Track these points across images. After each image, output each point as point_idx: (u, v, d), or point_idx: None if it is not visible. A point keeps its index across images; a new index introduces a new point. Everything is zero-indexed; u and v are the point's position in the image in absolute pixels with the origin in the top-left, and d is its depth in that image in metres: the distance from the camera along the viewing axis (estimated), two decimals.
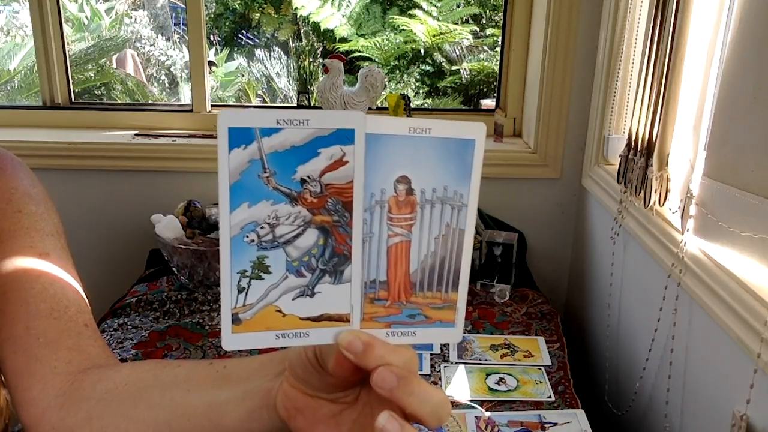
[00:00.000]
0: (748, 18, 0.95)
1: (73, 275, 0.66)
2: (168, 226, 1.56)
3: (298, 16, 5.47)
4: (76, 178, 1.86)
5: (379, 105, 1.90)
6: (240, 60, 5.59)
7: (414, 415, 0.39)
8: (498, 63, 2.01)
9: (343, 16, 5.34)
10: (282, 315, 0.40)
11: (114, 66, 5.11)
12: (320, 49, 5.52)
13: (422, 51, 5.24)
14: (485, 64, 5.05)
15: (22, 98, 4.58)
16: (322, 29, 5.34)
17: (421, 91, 5.20)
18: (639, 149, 1.28)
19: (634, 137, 1.30)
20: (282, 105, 4.78)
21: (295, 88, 5.35)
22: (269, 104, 5.16)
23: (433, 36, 5.12)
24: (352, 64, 4.81)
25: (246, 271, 0.38)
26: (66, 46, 2.01)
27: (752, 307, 0.90)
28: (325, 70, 1.76)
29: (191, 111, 2.00)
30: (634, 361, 1.37)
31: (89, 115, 2.01)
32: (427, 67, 5.24)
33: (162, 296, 1.56)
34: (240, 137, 0.36)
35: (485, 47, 5.22)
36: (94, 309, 0.67)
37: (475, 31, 5.27)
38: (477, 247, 1.71)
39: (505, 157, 1.82)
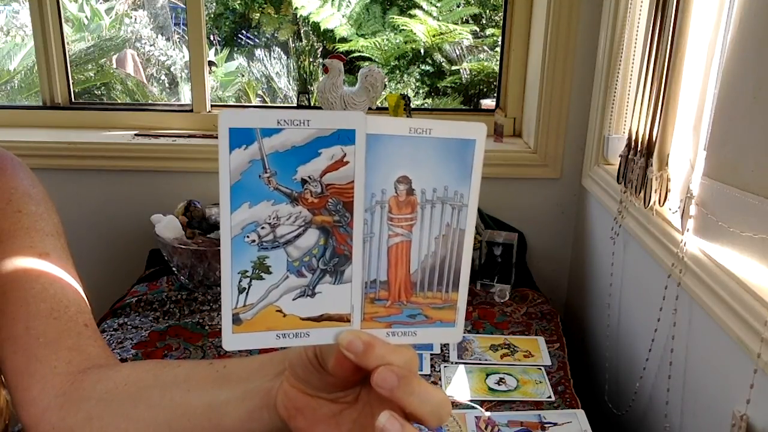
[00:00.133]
0: (748, 18, 0.95)
1: (73, 275, 0.66)
2: (168, 226, 1.56)
3: (298, 16, 5.47)
4: (76, 178, 1.86)
5: (379, 105, 1.90)
6: (240, 60, 5.59)
7: (414, 414, 0.39)
8: (498, 63, 2.01)
9: (343, 16, 5.34)
10: (282, 315, 0.40)
11: (114, 66, 5.11)
12: (320, 49, 5.52)
13: (422, 51, 5.24)
14: (485, 64, 5.05)
15: (22, 98, 4.58)
16: (322, 29, 5.34)
17: (421, 91, 5.20)
18: (639, 149, 1.28)
19: (634, 137, 1.30)
20: (282, 105, 4.78)
21: (295, 88, 5.35)
22: (269, 104, 5.16)
23: (433, 36, 5.12)
24: (352, 64, 4.81)
25: (247, 271, 0.39)
26: (66, 46, 2.01)
27: (752, 307, 0.90)
28: (325, 70, 1.76)
29: (191, 111, 2.00)
30: (634, 361, 1.37)
31: (89, 115, 2.01)
32: (427, 67, 5.24)
33: (162, 296, 1.56)
34: (241, 137, 0.36)
35: (485, 47, 5.22)
36: (94, 309, 0.67)
37: (475, 31, 5.27)
38: (477, 247, 1.71)
39: (505, 157, 1.82)
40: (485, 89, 5.05)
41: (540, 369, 1.31)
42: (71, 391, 0.58)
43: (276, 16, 5.73)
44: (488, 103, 4.37)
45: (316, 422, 0.44)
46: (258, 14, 5.75)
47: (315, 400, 0.44)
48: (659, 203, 1.23)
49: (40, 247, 0.64)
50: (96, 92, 4.93)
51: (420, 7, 5.15)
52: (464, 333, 1.46)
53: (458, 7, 5.23)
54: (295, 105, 2.15)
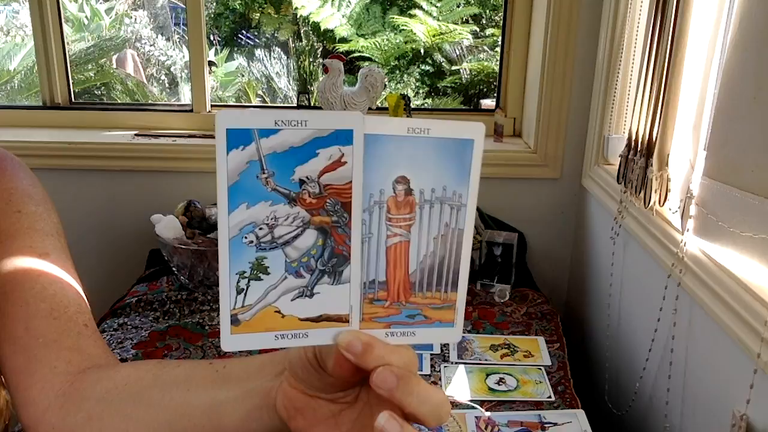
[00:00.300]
0: (748, 18, 0.95)
1: (72, 275, 0.66)
2: (168, 226, 1.56)
3: (298, 16, 5.47)
4: (76, 178, 1.86)
5: (379, 105, 1.90)
6: (240, 60, 5.58)
7: (414, 415, 0.39)
8: (498, 63, 2.01)
9: (343, 16, 5.34)
10: (281, 316, 0.40)
11: (114, 66, 5.11)
12: (320, 49, 5.52)
13: (422, 51, 5.24)
14: (485, 64, 5.05)
15: (22, 98, 4.58)
16: (322, 29, 5.34)
17: (421, 91, 5.20)
18: (639, 149, 1.28)
19: (634, 137, 1.30)
20: (282, 105, 4.78)
21: (295, 88, 5.35)
22: (269, 104, 5.16)
23: (433, 36, 5.11)
24: (352, 64, 4.81)
25: (245, 272, 0.38)
26: (66, 46, 2.01)
27: (752, 307, 0.90)
28: (325, 70, 1.76)
29: (191, 111, 2.00)
30: (634, 361, 1.37)
31: (89, 115, 2.01)
32: (427, 67, 5.24)
33: (162, 296, 1.56)
34: (238, 138, 0.36)
35: (485, 47, 5.22)
36: (94, 309, 0.67)
37: (475, 31, 5.27)
38: (477, 247, 1.71)
39: (505, 157, 1.82)
40: (485, 89, 5.05)
41: (540, 369, 1.31)
42: (71, 391, 0.58)
43: (276, 16, 5.73)
44: (488, 103, 4.37)
45: (315, 422, 0.44)
46: (258, 14, 5.75)
47: (314, 400, 0.44)
48: (659, 203, 1.23)
49: (39, 247, 0.64)
50: (96, 92, 4.93)
51: (420, 7, 5.15)
52: (464, 333, 1.46)
53: (458, 7, 5.22)
54: (295, 105, 2.15)
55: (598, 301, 1.67)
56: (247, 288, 0.39)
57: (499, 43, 2.05)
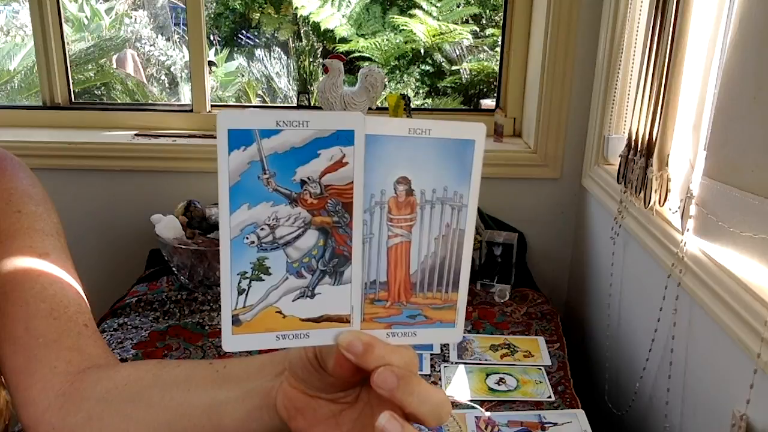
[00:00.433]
0: (748, 18, 0.95)
1: (72, 275, 0.66)
2: (168, 226, 1.56)
3: (298, 16, 5.47)
4: (76, 178, 1.86)
5: (379, 105, 1.90)
6: (240, 60, 5.58)
7: (414, 414, 0.39)
8: (498, 63, 2.01)
9: (343, 16, 5.34)
10: (282, 316, 0.40)
11: (114, 66, 5.11)
12: (320, 49, 5.52)
13: (422, 51, 5.24)
14: (485, 64, 5.05)
15: (22, 98, 4.58)
16: (322, 29, 5.34)
17: (421, 91, 5.20)
18: (639, 149, 1.28)
19: (634, 137, 1.30)
20: (282, 105, 4.78)
21: (295, 88, 5.35)
22: (269, 104, 5.16)
23: (433, 36, 5.12)
24: (352, 64, 4.81)
25: (246, 272, 0.38)
26: (66, 46, 2.01)
27: (752, 307, 0.90)
28: (325, 70, 1.76)
29: (191, 111, 2.00)
30: (634, 361, 1.37)
31: (89, 115, 2.01)
32: (427, 67, 5.24)
33: (162, 296, 1.56)
34: (240, 139, 0.36)
35: (485, 47, 5.22)
36: (94, 309, 0.67)
37: (475, 31, 5.27)
38: (477, 247, 1.71)
39: (505, 157, 1.82)
40: (485, 89, 5.05)
41: (540, 369, 1.31)
42: (71, 391, 0.58)
43: (276, 16, 5.73)
44: (488, 103, 4.37)
45: (316, 422, 0.44)
46: (258, 14, 5.75)
47: (315, 400, 0.44)
48: (659, 203, 1.23)
49: (39, 248, 0.64)
50: (96, 92, 4.93)
51: (420, 7, 5.15)
52: (464, 333, 1.46)
53: (458, 7, 5.22)
54: (295, 105, 2.15)
55: (598, 301, 1.67)
56: (249, 288, 0.39)
57: (499, 43, 2.05)
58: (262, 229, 0.38)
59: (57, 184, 1.81)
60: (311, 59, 5.47)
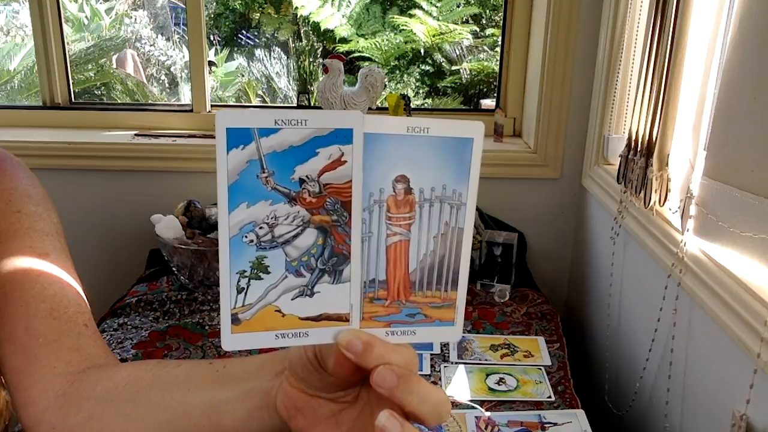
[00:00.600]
0: (748, 18, 0.95)
1: (72, 275, 0.66)
2: (168, 226, 1.56)
3: (298, 16, 5.47)
4: (76, 178, 1.86)
5: (379, 105, 1.90)
6: (240, 60, 5.58)
7: (414, 414, 0.39)
8: (498, 63, 2.01)
9: (343, 16, 5.34)
10: (281, 315, 0.40)
11: (114, 66, 5.11)
12: (320, 49, 5.52)
13: (422, 51, 5.24)
14: (485, 64, 5.05)
15: (22, 98, 4.58)
16: (322, 29, 5.34)
17: (421, 91, 5.20)
18: (639, 149, 1.28)
19: (634, 137, 1.30)
20: (282, 105, 4.78)
21: (295, 88, 5.35)
22: (269, 104, 5.16)
23: (433, 36, 5.12)
24: (352, 64, 4.81)
25: (245, 271, 0.38)
26: (66, 46, 2.01)
27: (752, 307, 0.90)
28: (325, 70, 1.76)
29: (191, 111, 2.00)
30: (634, 361, 1.37)
31: (89, 115, 2.01)
32: (427, 67, 5.24)
33: (162, 296, 1.56)
34: (238, 138, 0.36)
35: (485, 47, 5.22)
36: (94, 309, 0.67)
37: (475, 31, 5.27)
38: (477, 247, 1.71)
39: (505, 157, 1.82)
40: (485, 89, 5.05)
41: (540, 369, 1.31)
42: (71, 391, 0.58)
43: (276, 16, 5.73)
44: (488, 103, 4.37)
45: (316, 422, 0.44)
46: (258, 14, 5.75)
47: (315, 399, 0.44)
48: (659, 203, 1.23)
49: (39, 248, 0.64)
50: (96, 92, 4.93)
51: (420, 7, 5.15)
52: (464, 333, 1.46)
53: (458, 7, 5.23)
54: (295, 105, 2.15)
55: (598, 301, 1.67)
56: (248, 287, 0.39)
57: (499, 43, 2.05)
58: (261, 227, 0.38)
59: (57, 184, 1.81)
60: (311, 59, 5.47)
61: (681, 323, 1.14)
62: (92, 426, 0.55)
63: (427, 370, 1.29)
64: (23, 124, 2.00)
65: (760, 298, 0.90)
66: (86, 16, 5.47)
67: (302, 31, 5.57)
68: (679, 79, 1.16)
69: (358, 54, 5.14)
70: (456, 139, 0.39)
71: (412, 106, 1.86)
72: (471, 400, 1.19)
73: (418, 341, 0.42)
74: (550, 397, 1.21)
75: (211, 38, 5.68)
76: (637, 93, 1.30)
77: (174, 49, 5.48)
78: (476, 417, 1.14)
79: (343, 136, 0.38)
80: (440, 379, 1.27)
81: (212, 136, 1.93)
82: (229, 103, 4.26)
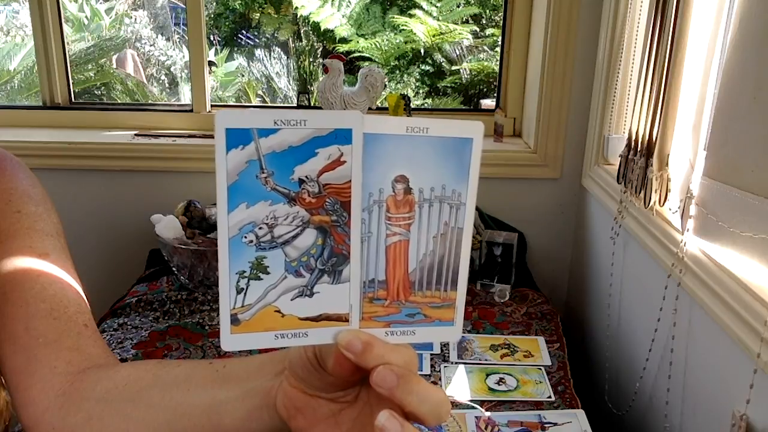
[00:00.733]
0: (748, 18, 0.95)
1: (72, 275, 0.66)
2: (168, 226, 1.56)
3: (298, 16, 5.47)
4: (76, 178, 1.86)
5: (379, 105, 1.90)
6: (240, 60, 5.58)
7: (414, 413, 0.39)
8: (498, 63, 2.01)
9: (343, 16, 5.34)
10: (281, 315, 0.40)
11: (114, 66, 5.11)
12: (320, 49, 5.52)
13: (422, 51, 5.24)
14: (485, 64, 5.05)
15: (22, 98, 4.58)
16: (322, 29, 5.34)
17: (421, 91, 5.20)
18: (639, 149, 1.28)
19: (634, 137, 1.30)
20: (281, 105, 4.78)
21: (295, 88, 5.35)
22: (269, 104, 5.16)
23: (433, 36, 5.12)
24: (352, 64, 4.81)
25: (245, 271, 0.38)
26: (66, 46, 2.01)
27: (752, 307, 0.90)
28: (325, 70, 1.76)
29: (191, 111, 2.00)
30: (634, 361, 1.37)
31: (89, 115, 2.01)
32: (427, 67, 5.24)
33: (162, 296, 1.56)
34: (237, 138, 0.36)
35: (485, 47, 5.22)
36: (94, 309, 0.67)
37: (475, 31, 5.27)
38: (477, 247, 1.71)
39: (505, 157, 1.82)
40: (485, 89, 5.05)
41: (540, 369, 1.31)
42: (71, 391, 0.58)
43: (276, 16, 5.73)
44: (488, 103, 4.37)
45: (315, 422, 0.44)
46: (258, 14, 5.75)
47: (314, 399, 0.44)
48: (659, 203, 1.23)
49: (39, 248, 0.64)
50: (96, 92, 4.93)
51: (420, 7, 5.15)
52: (464, 333, 1.46)
53: (458, 7, 5.22)
54: (295, 105, 2.15)
55: (598, 301, 1.67)
56: (247, 287, 0.39)
57: (499, 43, 2.05)
58: (260, 228, 0.38)
59: (57, 184, 1.81)
60: (311, 59, 5.47)
61: (681, 323, 1.14)
62: (92, 426, 0.55)
63: (427, 370, 1.29)
64: (23, 124, 2.00)
65: (760, 298, 0.90)
66: (86, 16, 5.47)
67: (302, 31, 5.57)
68: (679, 79, 1.16)
69: (358, 54, 5.14)
70: (456, 139, 0.39)
71: (412, 106, 1.86)
72: (471, 400, 1.19)
73: (418, 341, 0.42)
74: (550, 397, 1.21)
75: (211, 38, 5.68)
76: (637, 93, 1.30)
77: (174, 49, 5.48)
78: (476, 417, 1.14)
79: (343, 136, 0.38)
80: (440, 379, 1.27)
81: (212, 136, 1.92)
82: (229, 103, 4.26)
